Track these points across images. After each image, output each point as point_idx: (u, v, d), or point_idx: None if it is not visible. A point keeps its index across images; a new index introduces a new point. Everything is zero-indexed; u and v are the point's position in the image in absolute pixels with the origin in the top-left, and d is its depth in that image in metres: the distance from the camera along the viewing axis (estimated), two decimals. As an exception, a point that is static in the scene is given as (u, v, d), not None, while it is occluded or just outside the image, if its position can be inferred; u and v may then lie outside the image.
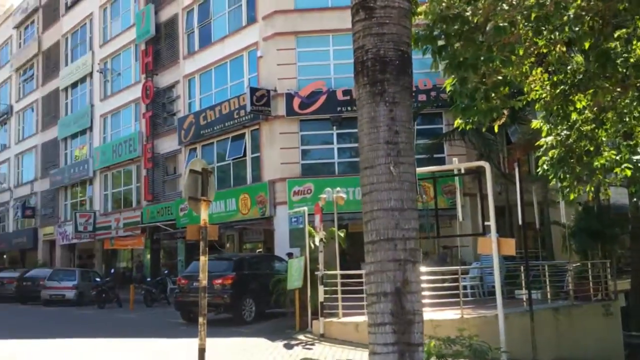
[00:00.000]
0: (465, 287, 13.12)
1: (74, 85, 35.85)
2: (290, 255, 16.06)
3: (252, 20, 23.26)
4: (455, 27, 6.23)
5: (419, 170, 8.43)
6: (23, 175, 41.77)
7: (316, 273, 12.76)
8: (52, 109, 37.78)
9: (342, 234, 14.31)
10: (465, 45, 6.46)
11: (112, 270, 28.26)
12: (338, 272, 12.75)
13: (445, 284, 12.09)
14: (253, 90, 21.37)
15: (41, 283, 25.01)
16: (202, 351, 8.36)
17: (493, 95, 6.59)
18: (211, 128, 23.98)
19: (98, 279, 24.57)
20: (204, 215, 8.40)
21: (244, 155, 23.05)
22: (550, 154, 8.61)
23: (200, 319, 8.25)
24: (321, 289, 12.43)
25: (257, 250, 24.30)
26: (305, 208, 14.15)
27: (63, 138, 36.14)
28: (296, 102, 21.19)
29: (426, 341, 6.17)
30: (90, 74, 33.88)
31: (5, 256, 44.05)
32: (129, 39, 30.53)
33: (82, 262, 34.71)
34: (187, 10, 26.81)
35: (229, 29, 24.57)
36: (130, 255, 31.86)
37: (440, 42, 6.50)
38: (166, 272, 24.81)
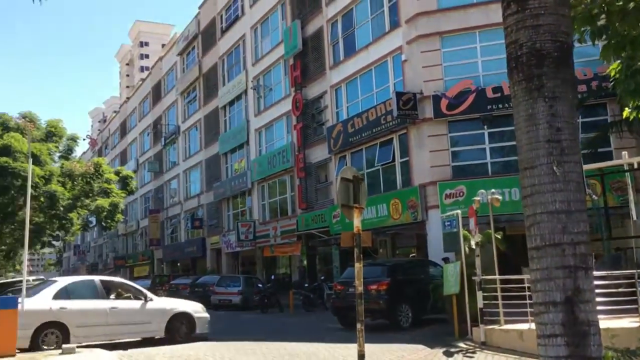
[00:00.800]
0: (643, 293, 11.87)
1: (231, 103, 38.40)
2: (446, 260, 15.72)
3: (395, 25, 23.24)
4: (620, 3, 5.68)
5: (584, 167, 7.79)
6: (191, 189, 45.51)
7: (473, 278, 12.33)
8: (213, 126, 40.78)
9: (499, 237, 13.70)
10: (630, 24, 5.87)
11: (273, 276, 29.67)
12: (497, 277, 12.20)
13: (621, 289, 11.03)
14: (399, 95, 21.30)
15: (210, 289, 26.99)
16: (361, 357, 8.44)
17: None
18: (359, 135, 24.29)
19: (260, 285, 25.92)
20: (357, 222, 8.49)
21: (393, 160, 23.03)
22: None
23: (358, 325, 8.33)
24: (480, 294, 11.98)
25: (410, 255, 24.10)
26: (459, 211, 13.78)
27: (223, 153, 38.81)
28: (444, 103, 20.76)
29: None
30: (245, 92, 36.07)
31: (179, 264, 48.20)
32: (278, 55, 32.03)
33: (245, 268, 36.88)
34: (332, 22, 27.50)
35: (372, 36, 24.77)
36: (288, 261, 33.23)
37: (600, 23, 5.97)
38: (322, 277, 25.52)
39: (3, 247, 33.23)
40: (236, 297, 25.54)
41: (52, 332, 12.24)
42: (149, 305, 13.58)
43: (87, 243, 79.37)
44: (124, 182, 35.23)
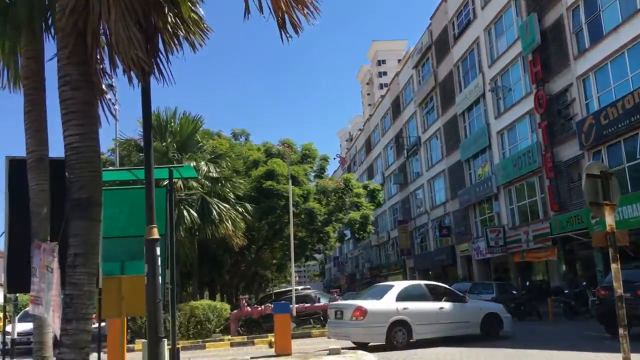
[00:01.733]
0: None
1: (469, 108, 37.94)
2: None
3: (648, -1, 20.76)
4: None
5: None
6: (436, 198, 45.95)
7: None
8: (453, 134, 40.72)
9: None
10: None
11: (528, 283, 28.36)
12: None
13: None
14: (660, 76, 18.92)
15: (463, 296, 26.90)
16: (628, 366, 7.74)
17: None
18: (615, 126, 22.08)
19: (514, 292, 24.98)
20: (609, 220, 7.87)
21: (659, 150, 20.45)
22: None
23: (621, 330, 7.67)
24: None
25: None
26: None
27: (465, 159, 38.46)
28: None
29: None
30: (483, 95, 35.35)
31: (430, 272, 48.85)
32: (515, 53, 30.82)
33: (498, 275, 35.82)
34: (573, 9, 25.59)
35: (621, 16, 22.43)
36: (545, 267, 31.39)
37: None
38: (584, 283, 23.63)
39: (274, 260, 37.56)
40: (490, 304, 25.00)
41: (400, 329, 13.94)
42: (466, 306, 15.09)
43: (345, 255, 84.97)
44: (372, 195, 37.28)
